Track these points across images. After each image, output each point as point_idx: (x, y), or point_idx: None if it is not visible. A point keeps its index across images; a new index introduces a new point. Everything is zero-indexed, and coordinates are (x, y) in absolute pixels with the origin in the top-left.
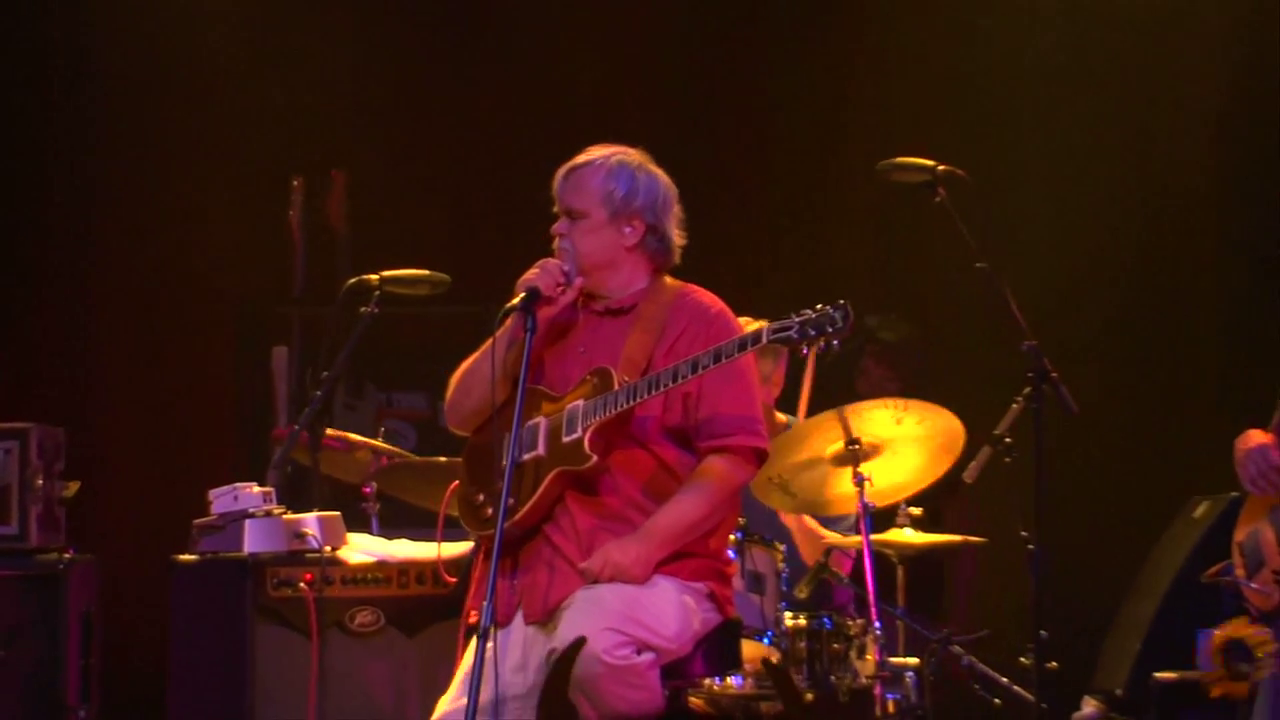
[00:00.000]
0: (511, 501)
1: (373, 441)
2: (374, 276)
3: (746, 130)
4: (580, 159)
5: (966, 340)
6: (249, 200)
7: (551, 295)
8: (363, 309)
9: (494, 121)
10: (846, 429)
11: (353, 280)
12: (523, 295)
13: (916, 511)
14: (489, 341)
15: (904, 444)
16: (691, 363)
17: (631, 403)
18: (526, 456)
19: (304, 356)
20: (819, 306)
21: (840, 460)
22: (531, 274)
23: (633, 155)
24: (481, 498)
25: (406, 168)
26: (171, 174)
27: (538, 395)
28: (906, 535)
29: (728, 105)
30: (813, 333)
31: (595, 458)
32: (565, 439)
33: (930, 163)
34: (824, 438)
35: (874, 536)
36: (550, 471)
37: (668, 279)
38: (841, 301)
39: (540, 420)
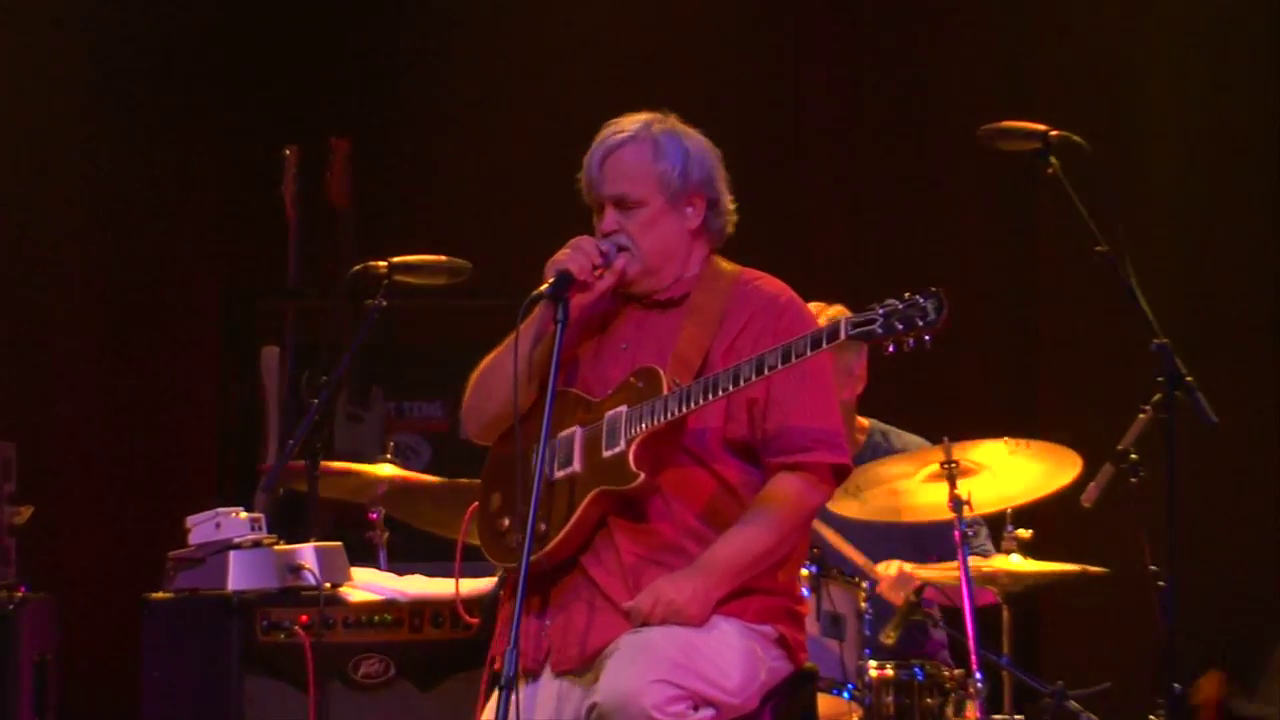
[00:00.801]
0: (542, 527)
1: (377, 470)
2: (382, 263)
3: (814, 85)
4: (614, 136)
5: (1083, 338)
6: (232, 173)
7: (587, 280)
8: (369, 302)
9: (526, 79)
10: (947, 453)
11: (357, 268)
12: (552, 280)
13: (1025, 534)
14: (512, 335)
15: (1011, 466)
16: (756, 363)
17: (684, 410)
18: (559, 473)
19: (299, 358)
20: (907, 295)
21: (932, 478)
22: (563, 254)
23: (669, 121)
24: (506, 522)
25: (421, 134)
26: (137, 140)
27: (571, 400)
28: (1013, 563)
29: (795, 59)
30: (900, 327)
31: (643, 476)
32: (606, 453)
33: (1042, 127)
34: (916, 460)
35: (974, 564)
36: (589, 492)
37: (722, 262)
38: (934, 290)
39: (575, 430)
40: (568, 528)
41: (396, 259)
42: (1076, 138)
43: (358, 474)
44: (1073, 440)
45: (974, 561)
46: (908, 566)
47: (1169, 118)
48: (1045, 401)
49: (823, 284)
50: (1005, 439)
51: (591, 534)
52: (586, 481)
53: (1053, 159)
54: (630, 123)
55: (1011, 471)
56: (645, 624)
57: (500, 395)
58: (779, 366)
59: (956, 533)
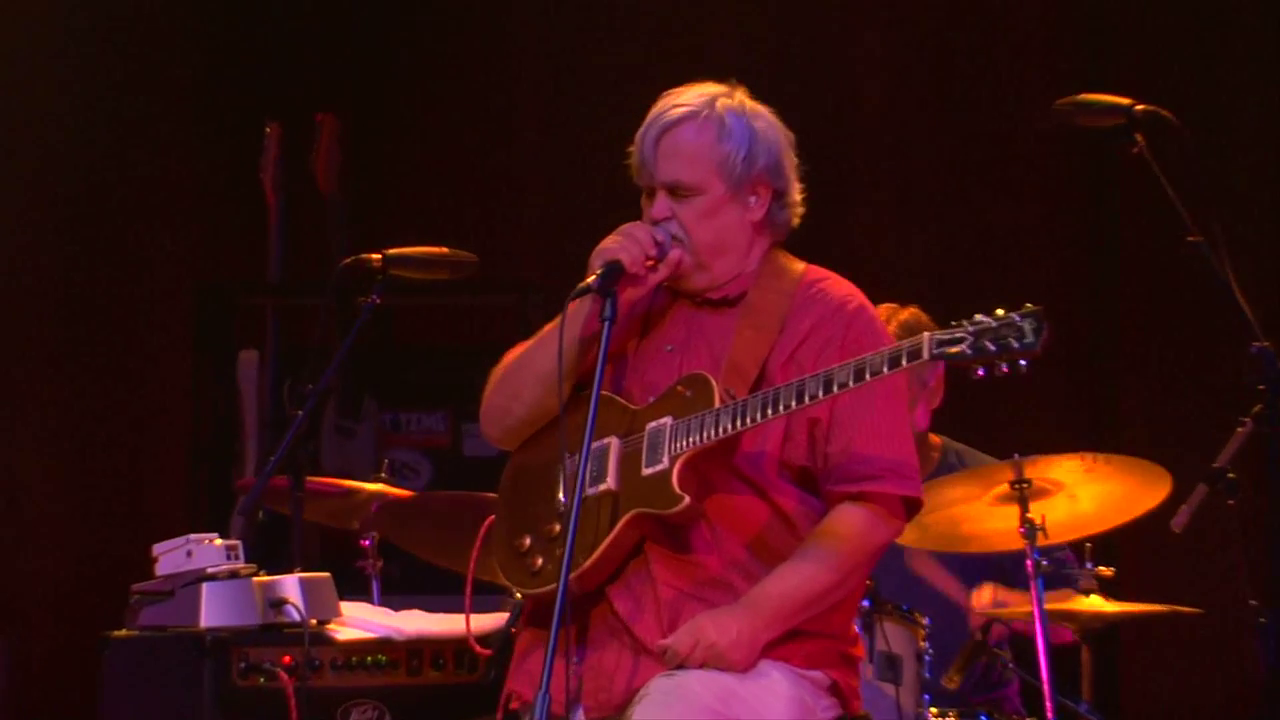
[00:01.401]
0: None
1: (368, 486)
2: (376, 256)
3: (861, 56)
4: (671, 111)
5: (1171, 340)
6: (206, 153)
7: (638, 272)
8: (361, 299)
9: (541, 49)
10: (1018, 471)
11: (347, 261)
12: (601, 270)
13: (1107, 571)
14: (549, 326)
15: (1089, 485)
16: (824, 379)
17: (738, 426)
18: (590, 490)
19: (282, 364)
20: (1001, 313)
21: (1002, 500)
22: (612, 242)
23: (737, 97)
24: (528, 541)
25: (421, 109)
26: (95, 112)
27: (610, 406)
28: (1092, 602)
29: (842, 23)
30: (992, 349)
31: (687, 499)
32: (646, 470)
33: (1126, 100)
34: (982, 479)
35: (1050, 603)
36: (625, 513)
37: (786, 257)
38: (1032, 308)
39: (611, 441)
40: (599, 553)
41: (392, 251)
42: (1166, 112)
43: (348, 494)
44: (1159, 456)
45: (1053, 601)
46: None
47: (1261, 90)
48: (1127, 411)
49: (865, 278)
50: (1082, 454)
51: (624, 561)
52: (623, 501)
53: (1139, 136)
54: (692, 96)
55: (1090, 492)
56: (682, 666)
57: (530, 395)
58: (850, 385)
59: (1029, 562)
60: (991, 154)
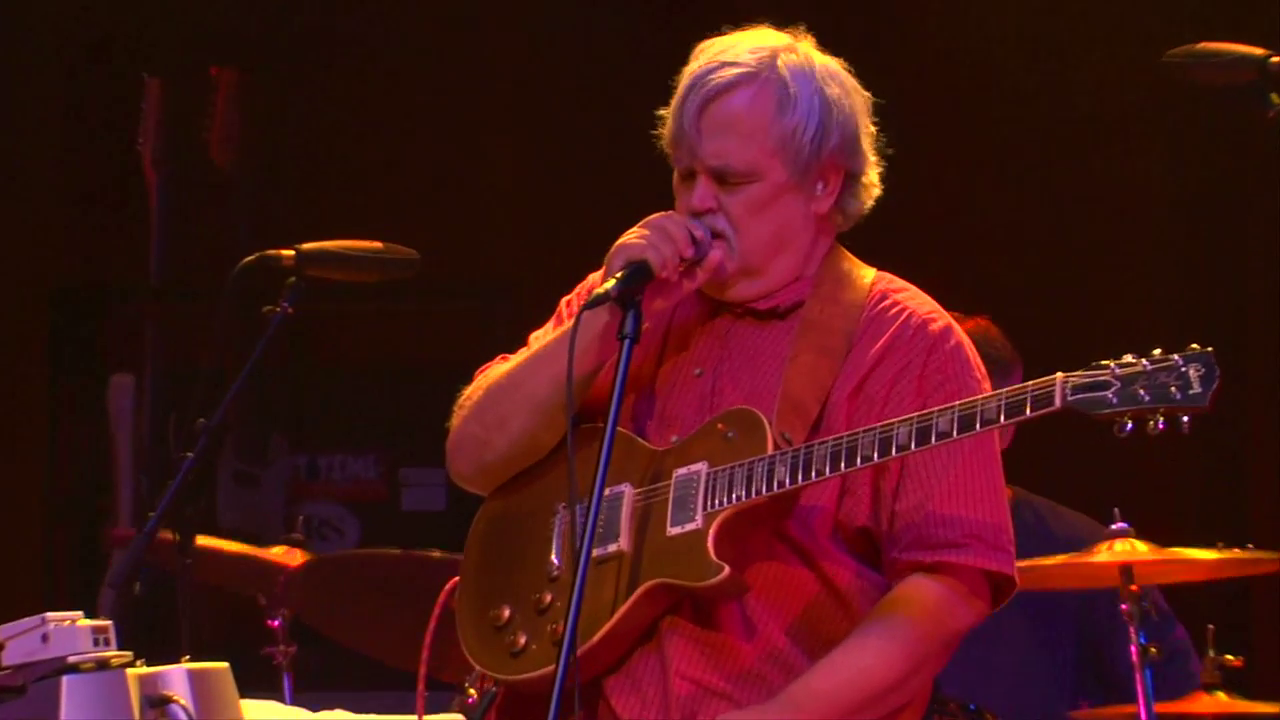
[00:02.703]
0: (560, 627)
1: (274, 551)
2: (287, 252)
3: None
4: (721, 72)
5: None
6: (68, 119)
7: (669, 278)
8: (268, 308)
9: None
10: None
11: (251, 258)
12: (623, 273)
13: (1235, 660)
14: (548, 340)
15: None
16: (918, 426)
17: (799, 481)
18: (596, 551)
19: (165, 391)
20: (1158, 354)
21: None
22: (636, 237)
23: (802, 51)
24: (508, 613)
25: (347, 65)
26: None
27: (621, 445)
28: (1217, 701)
29: None
30: (1146, 398)
31: (727, 570)
32: (672, 529)
33: (1260, 51)
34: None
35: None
36: (643, 583)
37: (850, 260)
38: (1199, 349)
39: (624, 490)
40: (604, 630)
41: (309, 246)
42: None
43: (250, 560)
44: None
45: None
46: None
47: None
48: (1260, 489)
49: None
50: (1217, 547)
51: (632, 646)
52: (640, 567)
53: (1275, 97)
54: (745, 51)
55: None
56: None
57: (519, 425)
58: (954, 436)
59: (1133, 648)
60: (1089, 119)
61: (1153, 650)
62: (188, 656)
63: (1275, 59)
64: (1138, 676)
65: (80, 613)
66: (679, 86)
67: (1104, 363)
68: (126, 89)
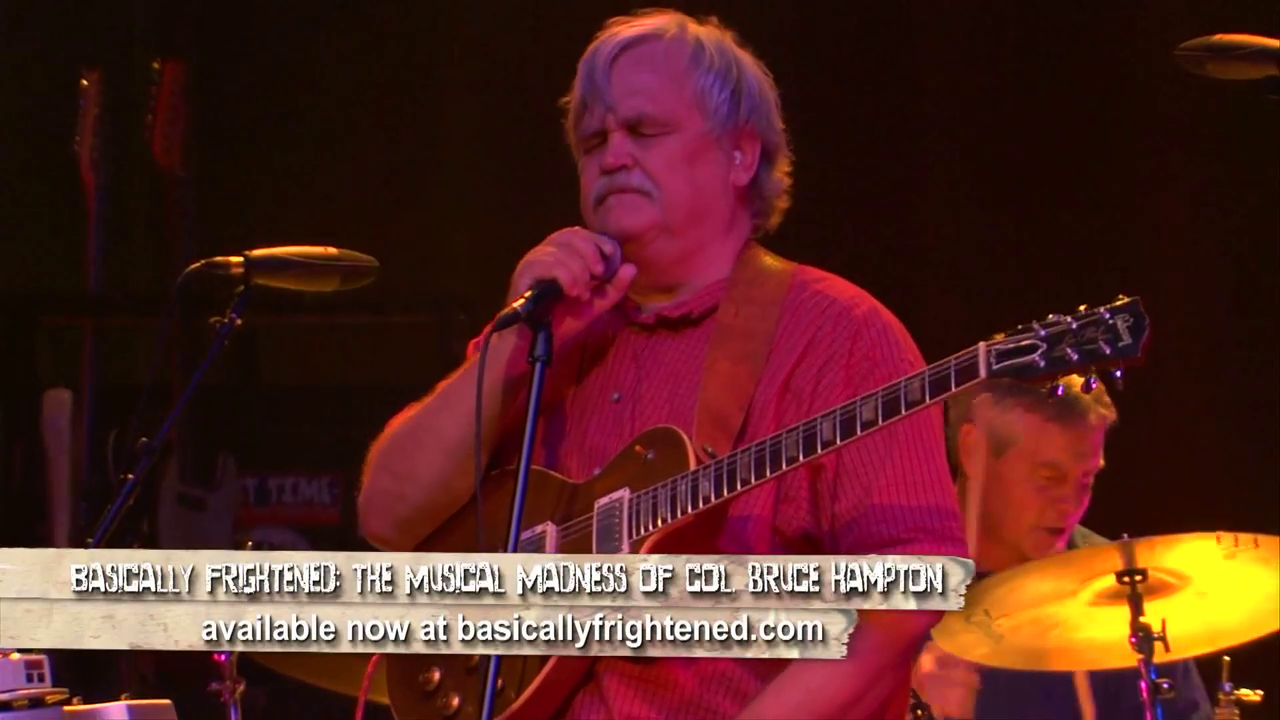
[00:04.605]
0: (499, 683)
1: None
2: (235, 259)
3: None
4: (629, 29)
5: None
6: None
7: (579, 297)
8: (214, 319)
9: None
10: (1129, 560)
11: (196, 265)
12: (530, 294)
13: (1253, 696)
14: (445, 383)
15: (1227, 578)
16: (841, 418)
17: (725, 494)
18: None
19: (104, 408)
20: (1083, 309)
21: (1106, 598)
22: (544, 254)
23: (712, 27)
24: (437, 676)
25: (299, 58)
26: None
27: (541, 482)
28: None
29: None
30: (1074, 357)
31: None
32: None
33: (1278, 43)
34: (1081, 568)
35: None
36: None
37: (765, 255)
38: (1126, 299)
39: (546, 530)
40: (537, 683)
41: (258, 252)
42: None
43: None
44: None
45: None
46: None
47: None
48: None
49: (925, 287)
50: (1218, 534)
51: (572, 692)
52: None
53: None
54: (657, 18)
55: (1229, 587)
56: None
57: (430, 474)
58: (880, 423)
59: (1143, 684)
60: (1104, 112)
61: (1165, 686)
62: (128, 694)
63: None
64: (1149, 717)
65: (13, 647)
66: (584, 58)
67: (1031, 324)
68: (66, 84)
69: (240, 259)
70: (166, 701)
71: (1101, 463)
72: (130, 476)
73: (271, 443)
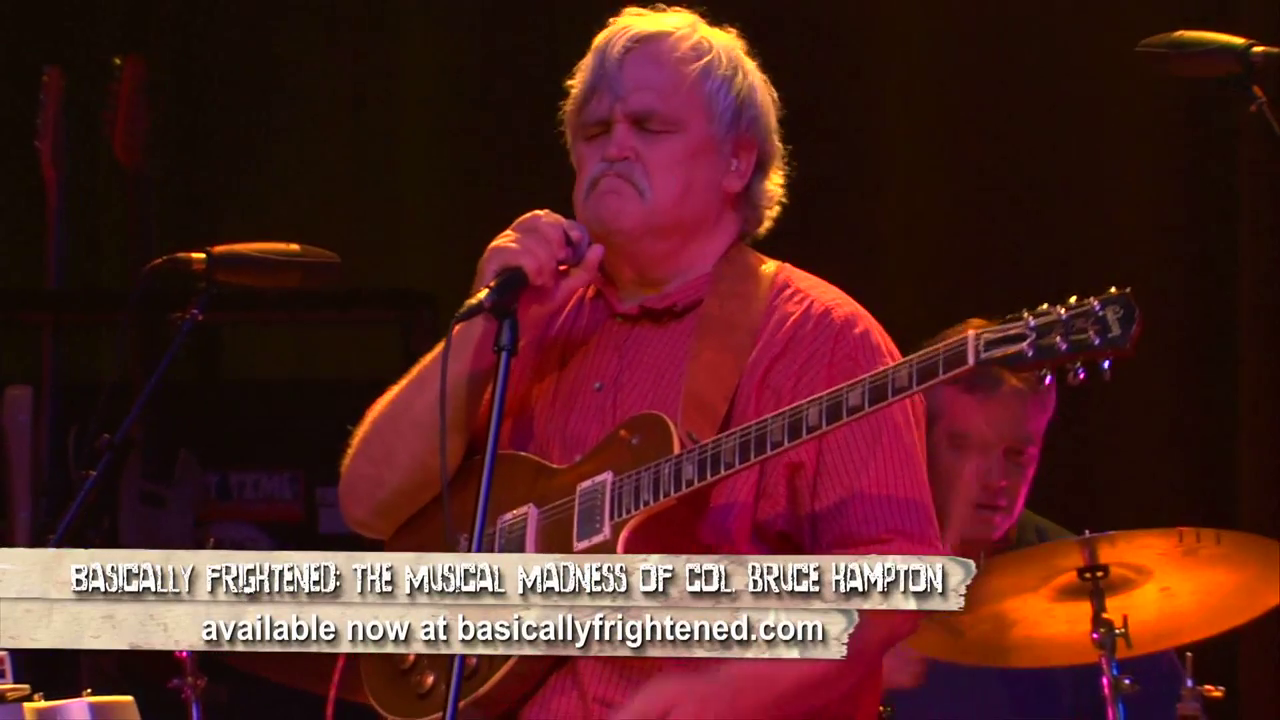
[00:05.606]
0: (471, 662)
1: None
2: (197, 255)
3: None
4: (643, 25)
5: None
6: None
7: (545, 285)
8: (176, 315)
9: None
10: (1090, 556)
11: (157, 262)
12: (494, 283)
13: (1215, 691)
14: (420, 365)
15: (1189, 574)
16: (828, 403)
17: (708, 478)
18: None
19: (64, 405)
20: (1073, 300)
21: (1067, 594)
22: (509, 242)
23: (724, 33)
24: (413, 657)
25: (263, 53)
26: None
27: (519, 467)
28: None
29: None
30: (1063, 347)
31: None
32: (579, 544)
33: (1240, 41)
34: (1042, 564)
35: None
36: None
37: (750, 254)
38: (1116, 292)
39: (528, 511)
40: (510, 664)
41: (220, 248)
42: None
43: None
44: None
45: None
46: None
47: None
48: (1249, 473)
49: (890, 285)
50: (1180, 530)
51: (545, 675)
52: None
53: (1257, 89)
54: (670, 15)
55: (1191, 583)
56: None
57: (407, 457)
58: (865, 409)
59: (1105, 680)
60: (1070, 109)
61: (1126, 682)
62: (89, 690)
63: (1258, 49)
64: (1110, 713)
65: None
66: (594, 46)
67: (1021, 314)
68: (26, 79)
69: (202, 255)
70: (128, 699)
71: (1035, 441)
72: (92, 473)
73: (234, 439)
